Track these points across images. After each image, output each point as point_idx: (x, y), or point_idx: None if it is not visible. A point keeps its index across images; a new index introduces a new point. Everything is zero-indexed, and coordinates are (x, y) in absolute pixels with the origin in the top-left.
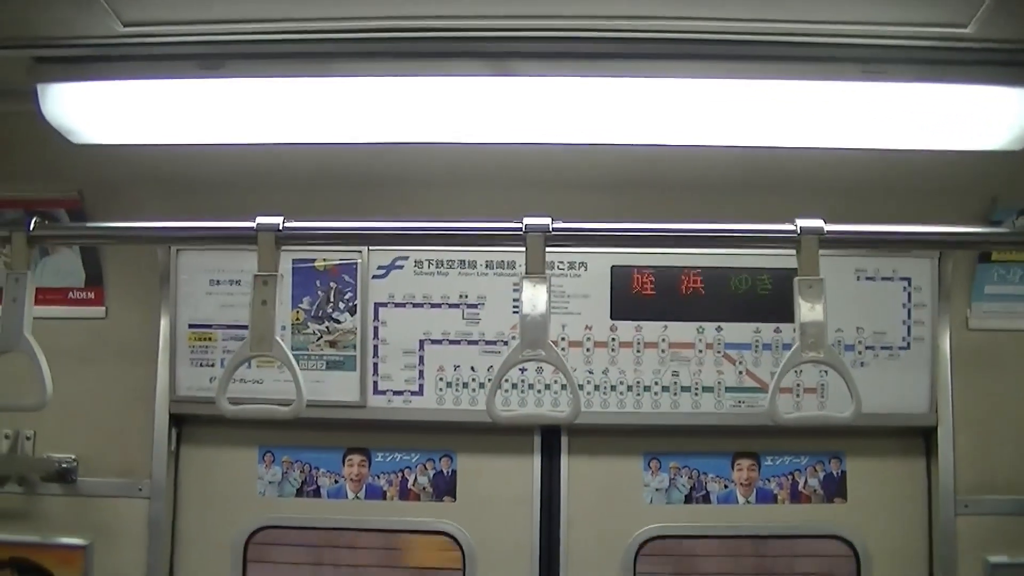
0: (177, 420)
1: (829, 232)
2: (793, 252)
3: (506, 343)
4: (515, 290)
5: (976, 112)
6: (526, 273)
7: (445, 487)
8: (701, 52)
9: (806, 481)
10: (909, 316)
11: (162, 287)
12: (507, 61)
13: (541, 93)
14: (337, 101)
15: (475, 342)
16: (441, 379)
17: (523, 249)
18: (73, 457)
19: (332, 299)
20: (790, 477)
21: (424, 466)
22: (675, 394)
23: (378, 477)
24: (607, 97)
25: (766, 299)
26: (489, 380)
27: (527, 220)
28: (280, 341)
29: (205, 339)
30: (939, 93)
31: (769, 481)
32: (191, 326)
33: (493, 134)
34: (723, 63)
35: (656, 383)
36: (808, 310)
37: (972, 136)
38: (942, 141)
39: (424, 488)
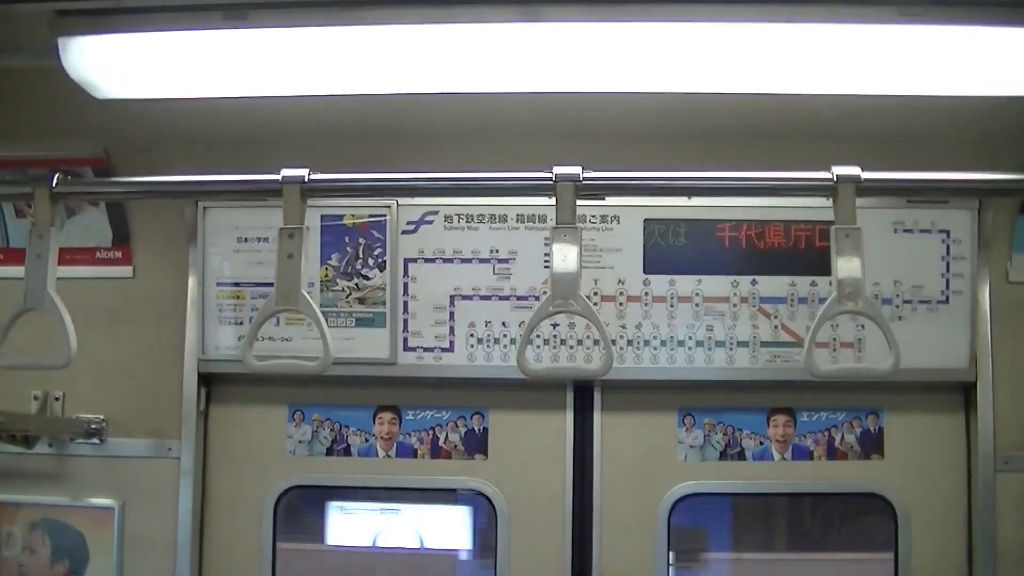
0: (206, 379)
1: (866, 180)
2: (830, 203)
3: (537, 298)
4: (546, 244)
5: (1019, 57)
6: (557, 224)
7: (477, 445)
8: None
9: (843, 437)
10: (948, 269)
11: (189, 245)
12: (536, 7)
13: (571, 39)
14: (363, 51)
15: (506, 297)
16: (472, 335)
17: (554, 201)
18: (102, 417)
19: (361, 255)
20: (827, 433)
21: (455, 423)
22: (709, 349)
23: (409, 435)
24: (638, 43)
25: (802, 252)
26: (521, 335)
27: (557, 169)
28: (306, 295)
29: (234, 297)
30: (980, 37)
31: (805, 437)
32: (219, 284)
33: (523, 83)
34: (757, 5)
35: (690, 338)
36: (845, 260)
37: (1014, 82)
38: (983, 87)
39: (455, 446)
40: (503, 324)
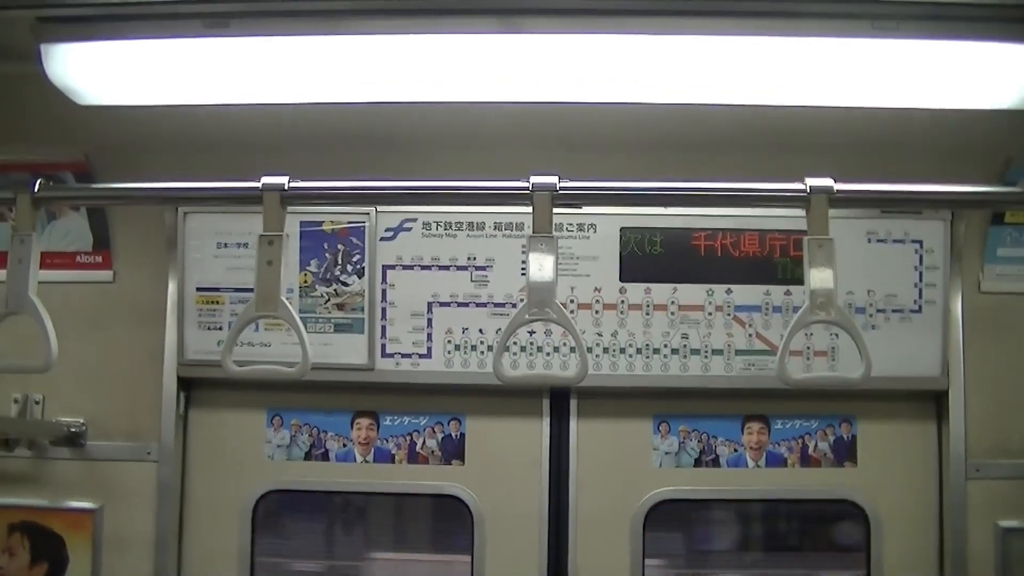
0: (185, 383)
1: (839, 191)
2: (803, 213)
3: (514, 305)
4: (523, 252)
5: (989, 70)
6: (533, 233)
7: (454, 450)
8: (710, 8)
9: (816, 445)
10: (921, 279)
11: (169, 250)
12: (515, 18)
13: (549, 51)
14: (343, 60)
15: (483, 304)
16: (449, 341)
17: (531, 209)
18: (82, 421)
19: (340, 261)
20: (800, 440)
21: (432, 429)
22: (685, 357)
23: (386, 440)
24: (615, 55)
25: (776, 261)
26: (497, 342)
27: (534, 179)
28: (286, 301)
29: (213, 302)
30: (951, 50)
31: (779, 445)
32: (199, 289)
33: (502, 93)
34: (732, 19)
35: (665, 345)
36: (818, 270)
37: (985, 95)
38: (954, 100)
39: (433, 451)
40: (480, 331)
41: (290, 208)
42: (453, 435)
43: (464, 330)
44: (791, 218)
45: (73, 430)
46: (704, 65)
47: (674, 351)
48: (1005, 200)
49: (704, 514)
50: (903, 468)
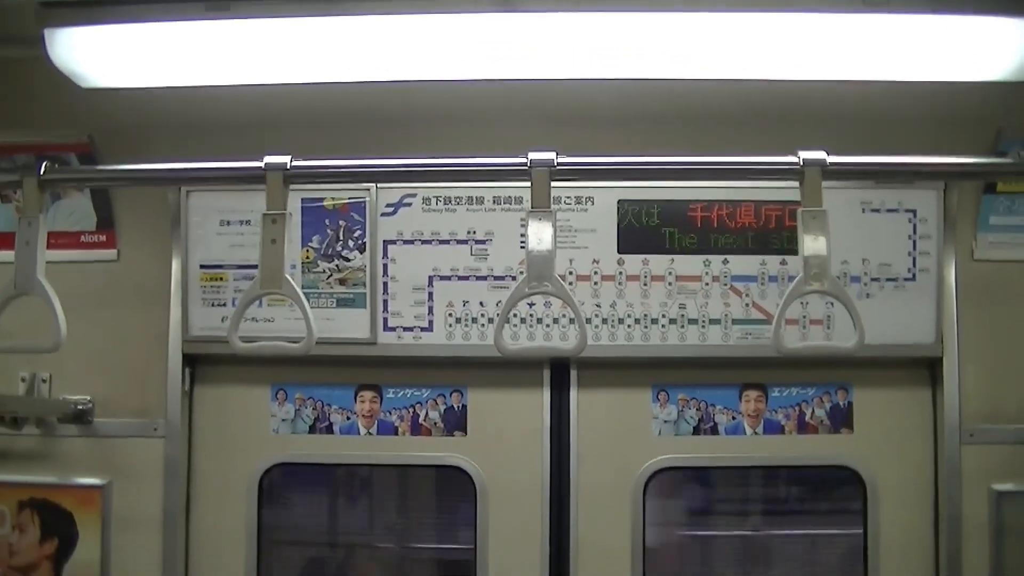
0: (190, 360)
1: (832, 163)
2: (798, 185)
3: (514, 278)
4: (522, 225)
5: (980, 43)
6: (532, 208)
7: (456, 422)
8: None
9: (813, 412)
10: (914, 247)
11: (173, 229)
12: None
13: (545, 28)
14: (342, 40)
15: (483, 278)
16: (450, 315)
17: (529, 183)
18: (89, 398)
19: (341, 237)
20: (797, 408)
21: (435, 401)
22: (682, 326)
23: (390, 413)
24: (610, 32)
25: (772, 231)
26: (498, 315)
27: (532, 155)
28: (290, 279)
29: (217, 279)
30: (942, 24)
31: (776, 412)
32: (202, 267)
33: (500, 70)
34: None
35: (663, 316)
36: (811, 241)
37: (976, 67)
38: (946, 72)
39: (435, 423)
40: (481, 304)
41: (292, 186)
42: (455, 407)
43: (465, 303)
44: (786, 189)
45: (80, 407)
46: (698, 41)
47: (672, 321)
48: (997, 171)
49: (703, 481)
50: (899, 434)
